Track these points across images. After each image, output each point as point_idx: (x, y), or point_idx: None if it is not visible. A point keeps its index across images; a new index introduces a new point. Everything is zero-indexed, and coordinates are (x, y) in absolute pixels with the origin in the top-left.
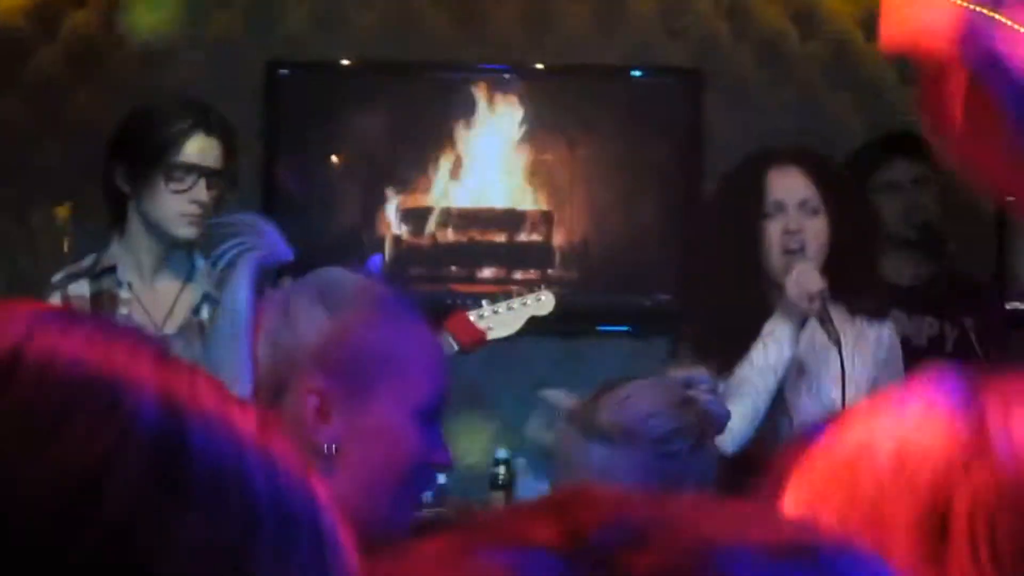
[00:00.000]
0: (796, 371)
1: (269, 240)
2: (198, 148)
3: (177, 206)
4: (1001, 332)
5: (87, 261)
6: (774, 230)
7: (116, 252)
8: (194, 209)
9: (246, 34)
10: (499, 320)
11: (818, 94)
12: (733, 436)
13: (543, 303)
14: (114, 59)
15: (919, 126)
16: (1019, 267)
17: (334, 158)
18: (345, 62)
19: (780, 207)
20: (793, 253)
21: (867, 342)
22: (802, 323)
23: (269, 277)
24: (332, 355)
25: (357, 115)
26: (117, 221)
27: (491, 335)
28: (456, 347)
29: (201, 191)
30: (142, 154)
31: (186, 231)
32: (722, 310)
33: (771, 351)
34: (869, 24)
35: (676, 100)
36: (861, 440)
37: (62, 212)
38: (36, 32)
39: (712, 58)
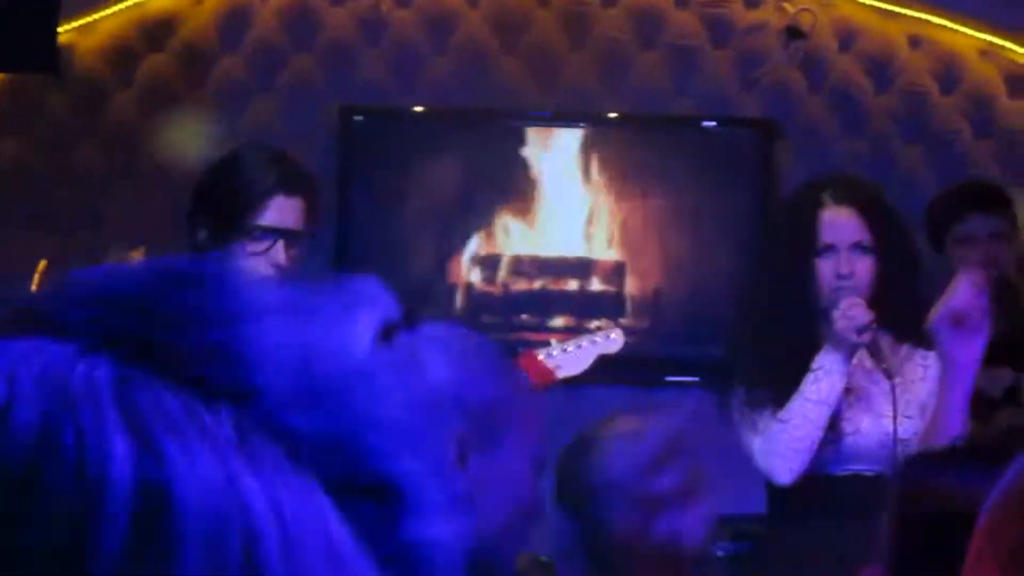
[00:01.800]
0: (845, 393)
1: (384, 299)
2: (279, 210)
3: (256, 269)
4: None
5: None
6: (826, 270)
7: None
8: (270, 272)
9: (322, 80)
10: (568, 359)
11: (891, 146)
12: (789, 468)
13: (612, 341)
14: (190, 104)
15: (994, 180)
16: None
17: (407, 205)
18: (419, 109)
19: (831, 247)
20: (843, 289)
21: (915, 368)
22: (852, 354)
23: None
24: (469, 403)
25: (430, 162)
26: None
27: (560, 374)
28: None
29: (279, 254)
30: (221, 213)
31: None
32: (773, 345)
33: (823, 384)
34: (943, 77)
35: (749, 150)
36: None
37: (136, 255)
38: (113, 77)
39: (785, 108)
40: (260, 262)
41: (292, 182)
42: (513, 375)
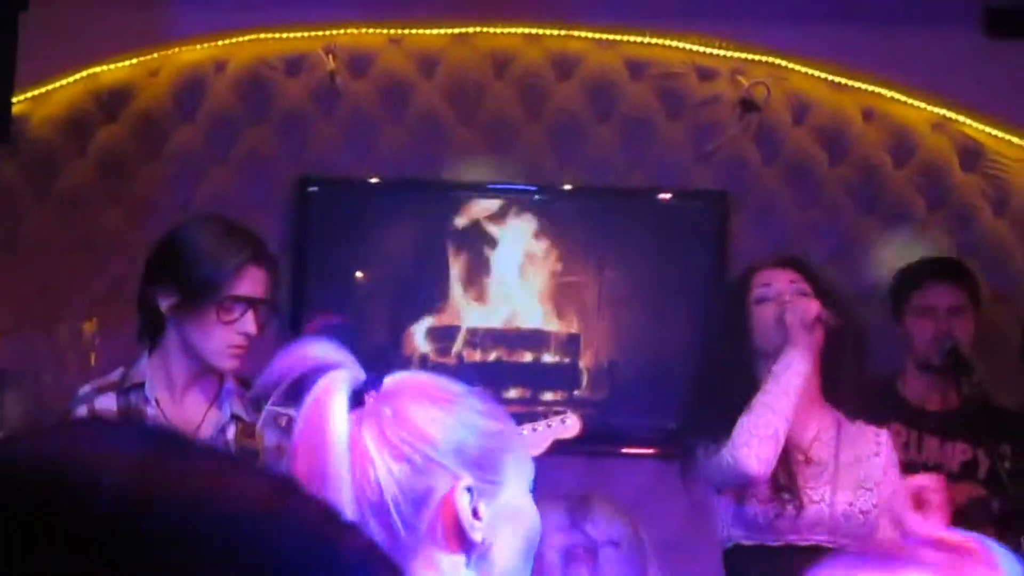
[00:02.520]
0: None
1: (350, 363)
2: (251, 281)
3: (225, 338)
4: None
5: (115, 375)
6: (765, 314)
7: (146, 368)
8: (241, 340)
9: (277, 150)
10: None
11: (845, 218)
12: (756, 455)
13: (569, 427)
14: (143, 174)
15: (954, 255)
16: None
17: (361, 275)
18: (374, 179)
19: (770, 288)
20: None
21: (868, 443)
22: (809, 348)
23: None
24: (466, 448)
25: (385, 232)
26: (149, 338)
27: None
28: None
29: (249, 323)
30: (192, 283)
31: (229, 363)
32: (723, 395)
33: (781, 378)
34: (897, 150)
35: (704, 222)
36: None
37: (88, 327)
38: (67, 146)
39: (740, 180)
40: (230, 332)
41: (262, 254)
42: (495, 407)
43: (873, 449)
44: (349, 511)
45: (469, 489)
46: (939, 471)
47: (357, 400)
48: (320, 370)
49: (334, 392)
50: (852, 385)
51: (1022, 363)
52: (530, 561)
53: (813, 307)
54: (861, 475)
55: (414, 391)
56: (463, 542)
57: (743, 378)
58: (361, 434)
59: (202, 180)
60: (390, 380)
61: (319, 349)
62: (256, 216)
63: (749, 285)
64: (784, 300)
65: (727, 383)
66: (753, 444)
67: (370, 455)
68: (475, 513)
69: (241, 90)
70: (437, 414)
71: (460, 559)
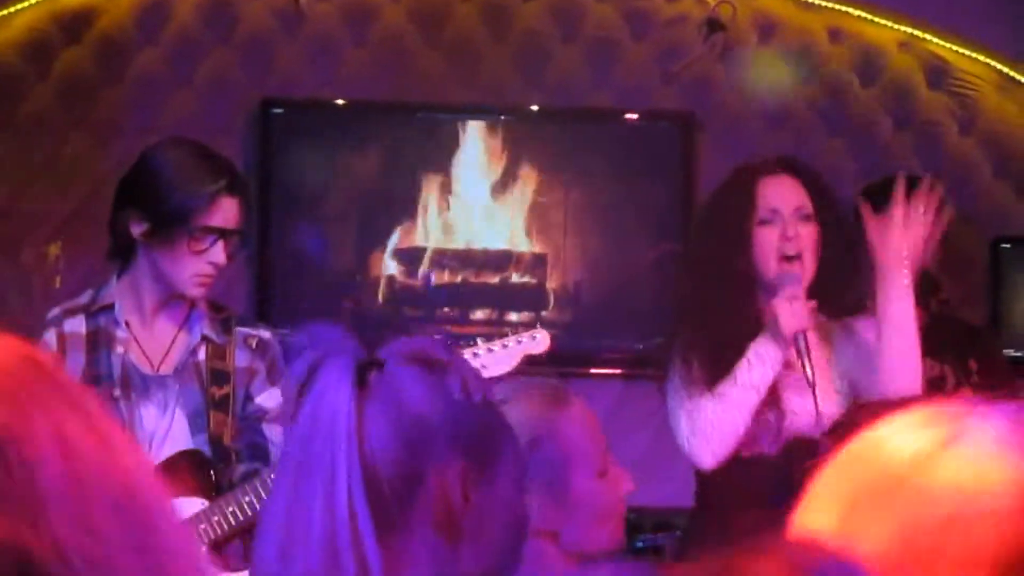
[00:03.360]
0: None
1: (349, 345)
2: (223, 211)
3: (195, 267)
4: (1004, 373)
5: (84, 298)
6: (769, 237)
7: (115, 291)
8: (210, 270)
9: (241, 72)
10: (494, 359)
11: (812, 138)
12: (712, 450)
13: (538, 341)
14: (106, 97)
15: (917, 173)
16: (1011, 317)
17: (328, 198)
18: (339, 101)
19: (776, 213)
20: (791, 260)
21: (846, 340)
22: (788, 347)
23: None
24: (463, 433)
25: (351, 154)
26: (119, 261)
27: (486, 373)
28: None
29: (219, 253)
30: (164, 212)
31: (197, 291)
32: (713, 317)
33: (755, 371)
34: (863, 69)
35: (669, 143)
36: (913, 464)
37: (53, 250)
38: (29, 70)
39: (706, 101)
40: (200, 261)
41: (236, 183)
42: (488, 392)
43: (850, 343)
44: (346, 495)
45: (463, 473)
46: None
47: (360, 381)
48: (323, 356)
49: (337, 383)
50: (841, 286)
51: (987, 282)
52: (516, 555)
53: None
54: (835, 376)
55: (414, 374)
56: (453, 526)
57: (738, 314)
58: (360, 416)
59: (166, 103)
60: (397, 351)
61: (320, 336)
62: (220, 138)
63: (752, 197)
64: (787, 234)
65: (720, 317)
66: (712, 438)
67: (372, 432)
68: (467, 498)
69: (204, 12)
70: (434, 396)
71: (443, 542)
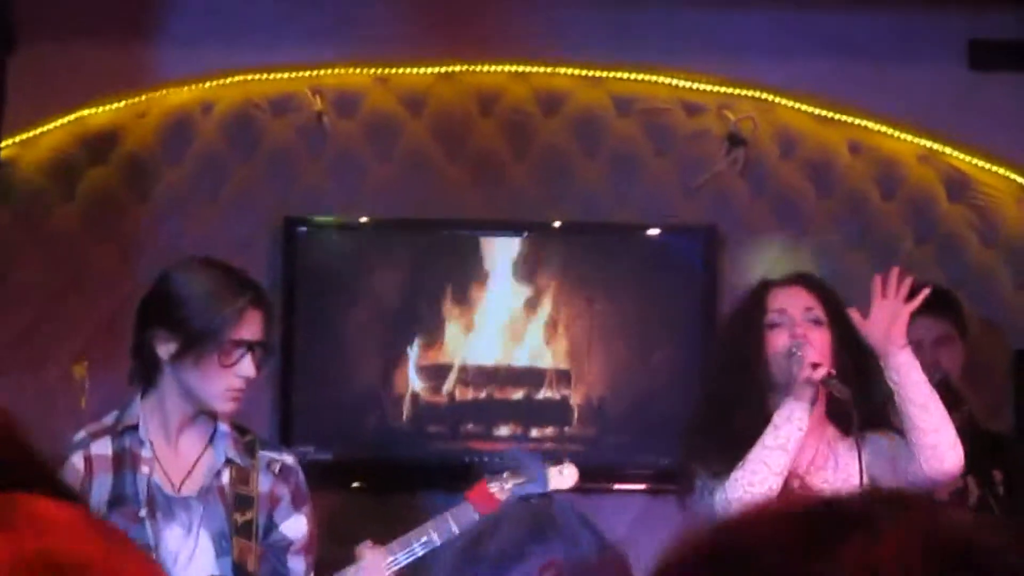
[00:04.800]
0: (799, 485)
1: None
2: (249, 324)
3: (224, 382)
4: None
5: (109, 419)
6: (779, 339)
7: (140, 411)
8: (240, 384)
9: (265, 190)
10: (523, 492)
11: (833, 251)
12: None
13: (566, 476)
14: (132, 216)
15: (940, 286)
16: None
17: (352, 314)
18: (362, 219)
19: (784, 315)
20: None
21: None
22: (812, 400)
23: None
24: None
25: (375, 271)
26: (144, 381)
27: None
28: (477, 517)
29: (249, 366)
30: (194, 333)
31: (228, 406)
32: (729, 421)
33: (781, 431)
34: (884, 182)
35: (692, 257)
36: None
37: (79, 370)
38: (55, 189)
39: (728, 215)
40: (230, 375)
41: (261, 297)
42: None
43: (884, 452)
44: None
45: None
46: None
47: None
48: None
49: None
50: (859, 411)
51: (1011, 392)
52: None
53: (821, 370)
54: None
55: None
56: None
57: (750, 410)
58: None
59: (190, 221)
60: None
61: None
62: (244, 256)
63: (763, 304)
64: (796, 333)
65: (733, 414)
66: (746, 501)
67: None
68: None
69: (228, 131)
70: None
71: None
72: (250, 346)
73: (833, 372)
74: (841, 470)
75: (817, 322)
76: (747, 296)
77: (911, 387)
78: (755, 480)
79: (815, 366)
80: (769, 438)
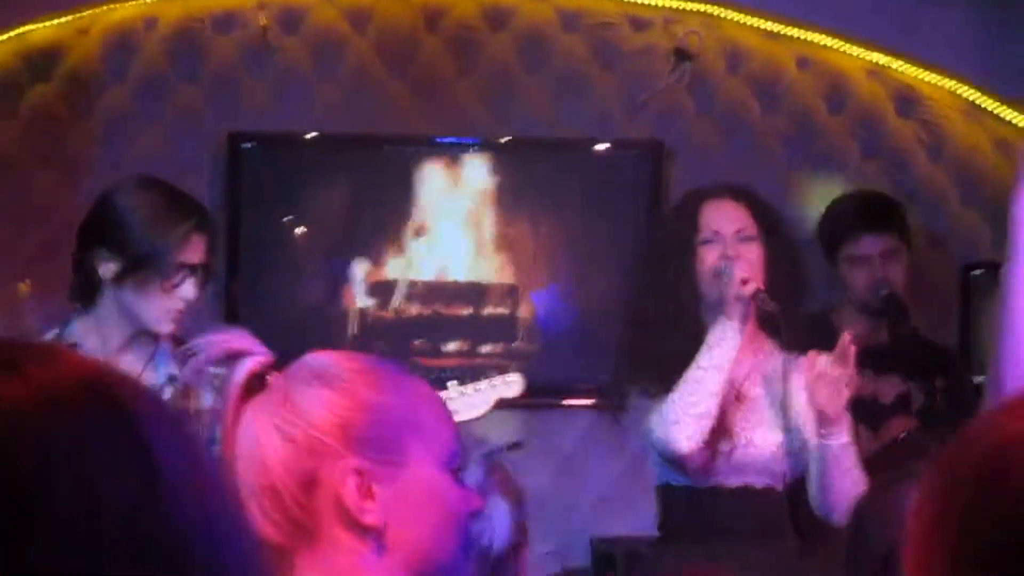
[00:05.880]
0: (738, 400)
1: (251, 347)
2: (193, 247)
3: (165, 303)
4: (971, 394)
5: (48, 336)
6: (710, 257)
7: (80, 330)
8: (180, 305)
9: (209, 108)
10: (467, 402)
11: (779, 167)
12: (687, 435)
13: (511, 385)
14: (75, 135)
15: (887, 197)
16: (980, 342)
17: (297, 232)
18: (308, 135)
19: (717, 235)
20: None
21: (801, 377)
22: (743, 318)
23: (257, 381)
24: (354, 429)
25: (320, 188)
26: (83, 300)
27: (457, 418)
28: None
29: (190, 289)
30: (137, 254)
31: (167, 327)
32: (661, 340)
33: (715, 351)
34: (831, 98)
35: (638, 173)
36: (984, 457)
37: (23, 288)
38: None
39: (674, 130)
40: (171, 298)
41: (205, 220)
42: (407, 385)
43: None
44: (242, 495)
45: (357, 471)
46: (873, 403)
47: (262, 384)
48: (234, 359)
49: (232, 381)
50: (791, 321)
51: (957, 308)
52: (457, 543)
53: (751, 286)
54: (792, 412)
55: (308, 371)
56: (357, 526)
57: (683, 326)
58: (254, 418)
59: (134, 139)
60: (300, 360)
61: (230, 339)
62: (189, 174)
63: (695, 222)
64: (728, 255)
65: (667, 326)
66: (685, 422)
67: (259, 438)
68: (367, 495)
69: (172, 47)
70: (324, 393)
71: (363, 543)
72: (192, 269)
73: (762, 287)
74: (766, 422)
75: (749, 239)
76: (678, 212)
77: (840, 452)
78: (692, 401)
79: (744, 282)
80: (704, 359)
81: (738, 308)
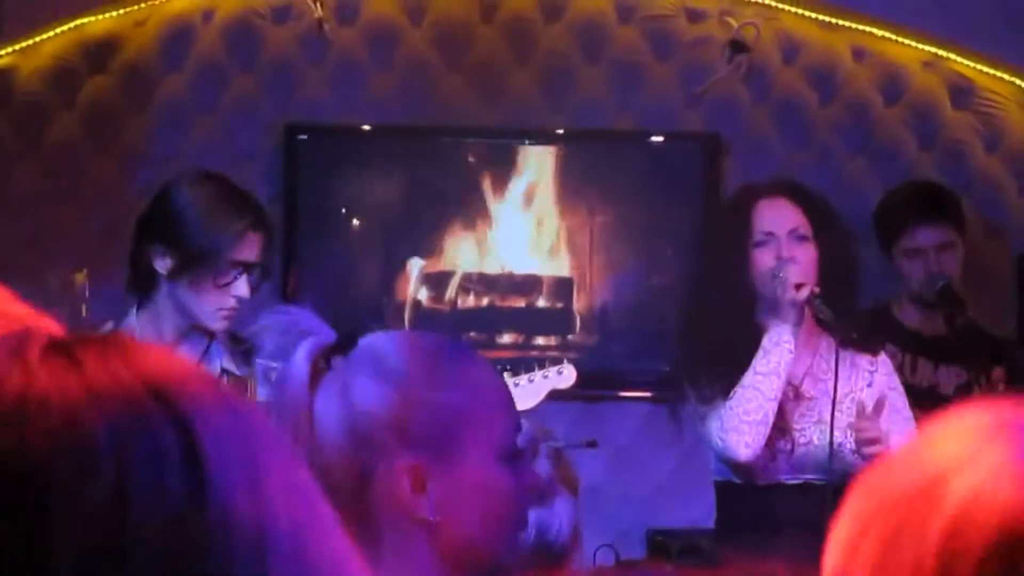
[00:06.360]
0: (797, 398)
1: (314, 327)
2: (248, 246)
3: (218, 301)
4: None
5: (105, 330)
6: (765, 258)
7: (136, 322)
8: (232, 303)
9: (265, 99)
10: (520, 393)
11: (836, 157)
12: (745, 442)
13: (564, 376)
14: (132, 125)
15: (943, 188)
16: None
17: (354, 223)
18: (364, 126)
19: (770, 236)
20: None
21: (861, 374)
22: (797, 322)
23: (321, 364)
24: (410, 426)
25: (376, 180)
26: (140, 292)
27: None
28: None
29: (243, 286)
30: (192, 251)
31: (219, 324)
32: (716, 339)
33: (771, 356)
34: (887, 89)
35: (694, 164)
36: (920, 479)
37: (79, 278)
38: (55, 98)
39: (730, 122)
40: (223, 295)
41: (261, 219)
42: (465, 372)
43: (866, 379)
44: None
45: (411, 468)
46: (933, 393)
47: (328, 365)
48: (298, 338)
49: (296, 364)
50: (846, 316)
51: (1013, 297)
52: (509, 536)
53: (804, 290)
54: (852, 410)
55: (369, 360)
56: (411, 520)
57: (740, 322)
58: (315, 406)
59: (190, 130)
60: (362, 345)
61: (293, 318)
62: (245, 165)
63: (748, 222)
64: (782, 257)
65: (722, 326)
66: (743, 430)
67: (319, 428)
68: (420, 489)
69: (228, 39)
70: (381, 387)
71: (416, 536)
72: (246, 267)
73: (817, 290)
74: (824, 420)
75: (803, 239)
76: (731, 209)
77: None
78: (750, 408)
79: (799, 287)
80: (760, 364)
81: (792, 313)
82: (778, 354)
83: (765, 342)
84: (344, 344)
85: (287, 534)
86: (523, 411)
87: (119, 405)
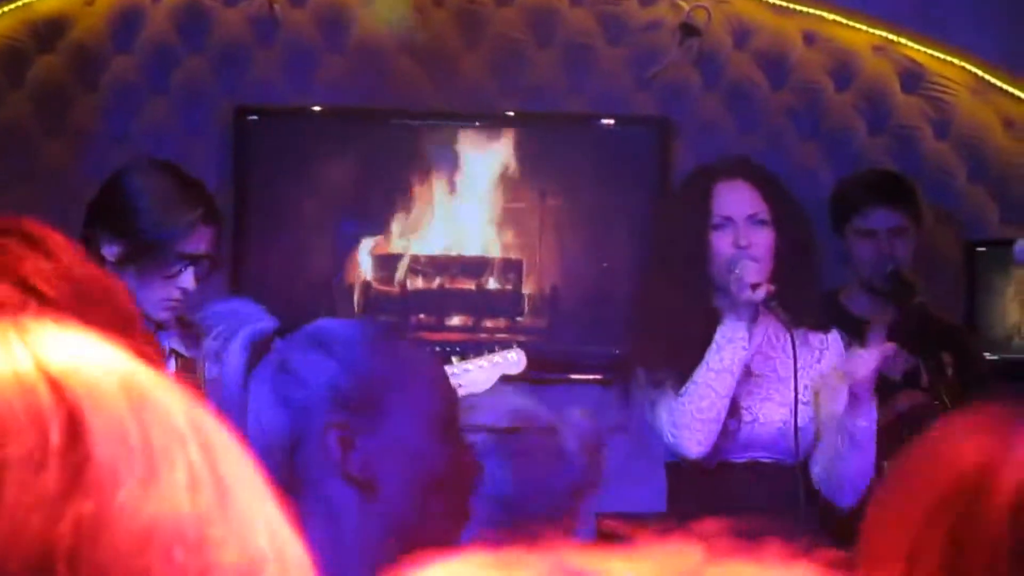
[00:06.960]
0: (746, 375)
1: (256, 315)
2: (197, 239)
3: (163, 292)
4: (981, 369)
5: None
6: (723, 243)
7: None
8: (177, 295)
9: (215, 80)
10: (470, 378)
11: (787, 142)
12: (697, 440)
13: (514, 362)
14: (81, 105)
15: (899, 174)
16: (986, 319)
17: (303, 205)
18: (314, 108)
19: (728, 220)
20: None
21: (811, 351)
22: (753, 319)
23: (261, 347)
24: (341, 390)
25: (326, 162)
26: None
27: (460, 392)
28: None
29: (189, 279)
30: (141, 241)
31: (163, 315)
32: (672, 323)
33: (725, 352)
34: (838, 74)
35: (645, 148)
36: (964, 471)
37: None
38: (3, 78)
39: (681, 106)
40: (168, 286)
41: (212, 211)
42: (401, 348)
43: (816, 356)
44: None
45: (339, 424)
46: (881, 378)
47: (267, 350)
48: (242, 324)
49: (234, 349)
50: (804, 302)
51: (963, 284)
52: (449, 507)
53: (756, 272)
54: (800, 387)
55: (307, 338)
56: (346, 477)
57: (695, 305)
58: (254, 386)
59: (140, 111)
60: (301, 329)
61: (234, 307)
62: (195, 146)
63: (707, 205)
64: (740, 241)
65: (677, 309)
66: (695, 427)
67: (258, 402)
68: (349, 446)
69: (178, 20)
70: (318, 359)
71: (349, 495)
72: (194, 259)
73: (772, 289)
74: (774, 398)
75: (762, 223)
76: (687, 192)
77: (863, 432)
78: (703, 407)
79: (755, 287)
80: (713, 360)
81: (747, 312)
82: (731, 351)
83: (719, 337)
84: (285, 330)
85: (189, 526)
86: (473, 395)
87: (9, 390)
